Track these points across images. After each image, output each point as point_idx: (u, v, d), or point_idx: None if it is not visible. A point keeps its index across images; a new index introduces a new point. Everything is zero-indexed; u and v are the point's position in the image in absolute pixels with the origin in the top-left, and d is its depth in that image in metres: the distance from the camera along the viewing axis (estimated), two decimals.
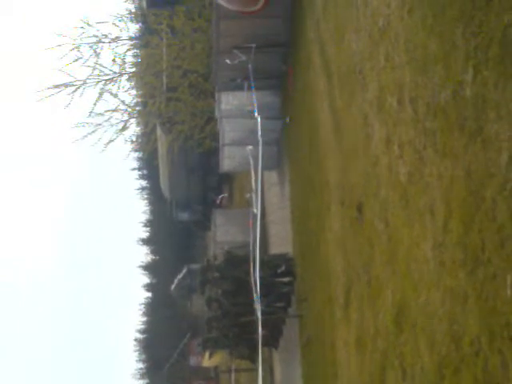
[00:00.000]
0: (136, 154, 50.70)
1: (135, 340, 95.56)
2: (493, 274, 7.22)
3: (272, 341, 24.24)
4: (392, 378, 10.85)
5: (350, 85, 14.56)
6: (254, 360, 26.32)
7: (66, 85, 27.65)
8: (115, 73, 26.27)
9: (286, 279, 23.18)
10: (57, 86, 28.03)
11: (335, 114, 16.23)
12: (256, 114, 22.91)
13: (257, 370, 23.07)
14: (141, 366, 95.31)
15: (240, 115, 25.06)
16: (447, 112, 8.51)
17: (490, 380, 7.10)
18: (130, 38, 25.99)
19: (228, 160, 26.41)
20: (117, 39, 24.66)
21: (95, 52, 24.48)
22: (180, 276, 42.03)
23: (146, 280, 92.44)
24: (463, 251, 8.04)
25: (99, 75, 25.03)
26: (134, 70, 27.90)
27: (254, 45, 23.08)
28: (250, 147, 23.18)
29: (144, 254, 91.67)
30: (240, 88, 24.66)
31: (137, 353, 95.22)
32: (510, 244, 6.84)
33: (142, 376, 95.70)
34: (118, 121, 29.79)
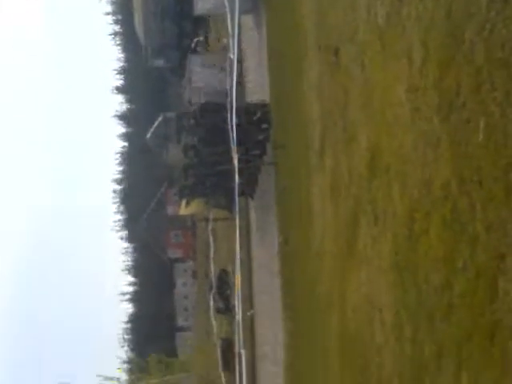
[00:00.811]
0: None
1: (113, 192, 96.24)
2: (467, 118, 7.14)
3: (248, 189, 24.41)
4: (364, 223, 10.98)
5: None
6: (230, 209, 26.67)
7: None
8: None
9: (262, 126, 23.06)
10: None
11: None
12: None
13: (233, 218, 23.42)
14: (119, 217, 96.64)
15: None
16: None
17: (457, 220, 7.16)
18: None
19: (202, 2, 25.54)
20: None
21: None
22: (155, 125, 41.72)
23: (121, 130, 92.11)
24: (438, 96, 7.93)
25: None
26: None
27: None
28: None
29: (119, 103, 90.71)
30: None
31: (115, 205, 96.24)
32: (485, 88, 6.72)
33: (121, 228, 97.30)
34: None
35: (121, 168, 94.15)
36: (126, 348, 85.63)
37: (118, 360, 24.98)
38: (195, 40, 40.23)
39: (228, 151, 21.88)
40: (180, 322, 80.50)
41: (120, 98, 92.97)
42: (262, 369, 21.23)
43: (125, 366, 25.49)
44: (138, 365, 22.80)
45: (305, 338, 15.70)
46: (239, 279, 19.60)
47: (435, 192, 7.92)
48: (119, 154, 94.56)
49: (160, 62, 48.91)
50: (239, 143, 21.52)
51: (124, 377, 22.85)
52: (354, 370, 10.95)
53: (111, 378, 21.08)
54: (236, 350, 21.02)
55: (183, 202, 28.27)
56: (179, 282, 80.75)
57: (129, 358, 26.61)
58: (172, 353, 36.68)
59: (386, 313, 9.45)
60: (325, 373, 13.27)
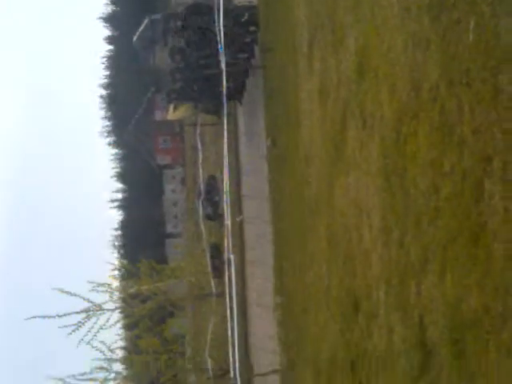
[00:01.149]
0: None
1: (100, 97, 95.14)
2: (457, 18, 7.01)
3: (236, 94, 24.17)
4: (353, 127, 10.92)
5: None
6: (218, 114, 26.47)
7: None
8: None
9: (249, 28, 22.67)
10: None
11: None
12: None
13: (221, 123, 23.28)
14: (107, 123, 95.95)
15: None
16: None
17: (445, 123, 7.13)
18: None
19: None
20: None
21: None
22: (142, 27, 40.95)
23: (107, 32, 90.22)
24: None
25: None
26: None
27: None
28: None
29: (104, 5, 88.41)
30: None
31: (102, 110, 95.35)
32: None
33: (109, 134, 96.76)
34: None
35: (107, 73, 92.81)
36: (116, 255, 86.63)
37: (109, 267, 25.17)
38: None
39: (215, 54, 21.57)
40: (169, 228, 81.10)
41: None
42: (252, 273, 21.53)
43: (116, 272, 25.70)
44: (129, 271, 22.99)
45: (293, 243, 15.84)
46: (228, 184, 19.64)
47: (424, 94, 7.85)
48: (105, 58, 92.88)
49: None
50: (227, 46, 21.19)
51: (115, 283, 23.10)
52: (342, 274, 11.07)
53: (102, 285, 21.29)
54: (225, 255, 21.24)
55: (171, 107, 28.06)
56: (168, 188, 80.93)
57: (119, 264, 26.83)
58: (162, 260, 37.15)
59: (374, 217, 9.50)
60: (313, 275, 13.45)
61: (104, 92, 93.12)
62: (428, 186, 7.55)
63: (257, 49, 22.52)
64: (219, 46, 21.07)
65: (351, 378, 10.06)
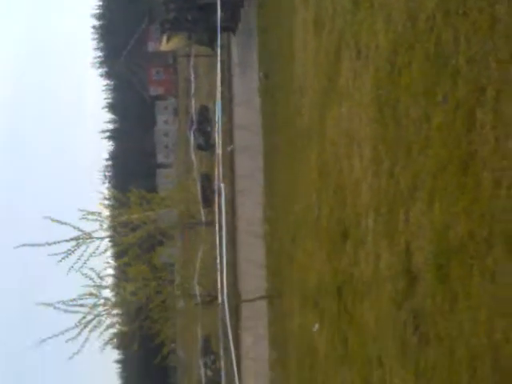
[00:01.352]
0: None
1: (93, 27, 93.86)
2: None
3: (230, 25, 23.93)
4: (347, 58, 10.91)
5: None
6: (212, 45, 26.24)
7: None
8: None
9: None
10: None
11: None
12: None
13: (215, 55, 23.11)
14: (99, 54, 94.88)
15: None
16: None
17: (440, 53, 7.13)
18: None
19: None
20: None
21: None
22: None
23: None
24: None
25: None
26: None
27: None
28: None
29: None
30: None
31: (95, 41, 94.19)
32: None
33: (101, 64, 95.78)
34: None
35: (100, 3, 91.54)
36: (107, 184, 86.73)
37: (99, 196, 25.23)
38: None
39: None
40: (160, 159, 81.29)
41: None
42: (242, 202, 21.67)
43: (106, 201, 25.74)
44: (119, 200, 23.08)
45: (284, 173, 15.95)
46: (220, 114, 19.62)
47: (420, 25, 7.82)
48: None
49: None
50: None
51: (105, 212, 23.20)
52: (332, 204, 11.20)
53: (92, 213, 21.39)
54: (215, 184, 21.36)
55: (164, 38, 27.77)
56: (160, 119, 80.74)
57: (110, 193, 26.84)
58: (153, 189, 37.23)
59: (365, 147, 9.57)
60: (303, 204, 13.59)
61: (96, 23, 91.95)
62: (420, 115, 7.61)
63: None
64: None
65: (337, 302, 10.28)
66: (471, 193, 6.32)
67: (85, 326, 19.77)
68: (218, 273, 16.97)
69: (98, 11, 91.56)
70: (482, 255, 6.01)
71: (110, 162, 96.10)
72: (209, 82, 29.36)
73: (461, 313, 6.29)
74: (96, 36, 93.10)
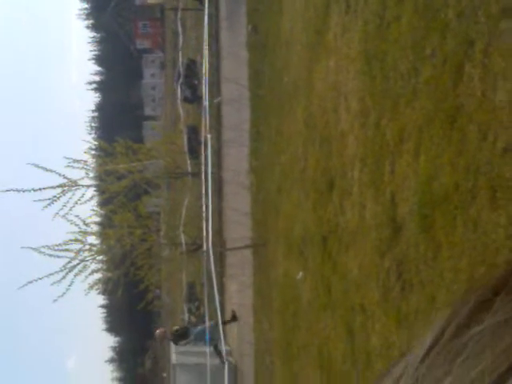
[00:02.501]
0: None
1: None
2: None
3: None
4: (336, 12, 10.94)
5: None
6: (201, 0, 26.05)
7: None
8: None
9: None
10: None
11: None
12: None
13: (203, 9, 22.97)
14: (85, 5, 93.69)
15: None
16: None
17: (430, 7, 7.21)
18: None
19: None
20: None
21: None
22: None
23: None
24: None
25: None
26: None
27: None
28: None
29: None
30: None
31: None
32: None
33: (87, 16, 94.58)
34: None
35: None
36: (93, 135, 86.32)
37: (85, 145, 25.17)
38: None
39: None
40: (148, 111, 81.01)
41: None
42: (227, 153, 21.76)
43: (92, 151, 25.73)
44: (105, 149, 23.08)
45: (270, 125, 16.03)
46: (207, 66, 19.58)
47: None
48: None
49: None
50: None
51: (91, 161, 23.18)
52: (318, 155, 11.34)
53: (78, 161, 21.38)
54: (202, 134, 21.40)
55: None
56: (147, 72, 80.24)
57: (96, 143, 26.77)
58: (139, 141, 37.23)
59: (352, 100, 9.68)
60: (289, 156, 13.73)
61: None
62: (408, 69, 7.71)
63: None
64: None
65: (322, 251, 10.48)
66: (457, 145, 6.46)
67: (70, 271, 19.92)
68: (204, 221, 17.14)
69: None
70: (466, 206, 6.17)
71: (96, 114, 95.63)
72: (196, 36, 29.17)
73: (443, 261, 6.49)
74: None
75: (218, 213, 20.64)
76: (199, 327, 19.67)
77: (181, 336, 19.54)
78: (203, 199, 17.67)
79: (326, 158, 10.69)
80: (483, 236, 5.89)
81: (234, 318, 19.63)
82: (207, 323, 18.31)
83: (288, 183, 13.62)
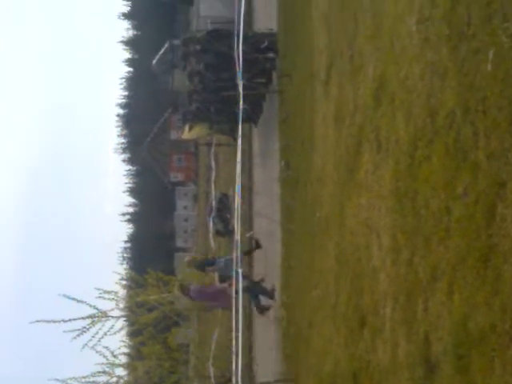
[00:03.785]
0: None
1: (117, 115, 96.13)
2: (476, 48, 7.27)
3: (252, 116, 24.53)
4: (367, 150, 11.16)
5: None
6: (233, 135, 26.81)
7: None
8: None
9: (268, 55, 23.06)
10: None
11: None
12: None
13: (236, 144, 23.60)
14: (122, 140, 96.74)
15: None
16: None
17: (460, 149, 7.37)
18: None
19: None
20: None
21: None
22: (162, 51, 41.37)
23: (127, 55, 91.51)
24: (448, 26, 8.02)
25: None
26: None
27: None
28: None
29: (125, 29, 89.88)
30: None
31: (118, 128, 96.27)
32: (496, 18, 6.85)
33: (124, 150, 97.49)
34: None
35: (125, 93, 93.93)
36: (125, 265, 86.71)
37: (117, 276, 25.46)
38: None
39: (233, 78, 21.91)
40: (179, 243, 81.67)
41: (126, 24, 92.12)
42: None
43: (123, 282, 25.93)
44: (136, 281, 23.24)
45: (302, 260, 16.08)
46: (239, 199, 19.89)
47: (439, 121, 8.08)
48: (124, 79, 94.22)
49: None
50: (245, 71, 21.54)
51: (122, 291, 23.32)
52: (349, 291, 11.31)
53: (109, 292, 21.53)
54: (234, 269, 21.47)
55: (186, 127, 28.38)
56: (180, 204, 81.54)
57: (127, 273, 27.05)
58: (170, 272, 37.35)
59: (384, 237, 9.74)
60: (320, 291, 13.68)
61: (121, 111, 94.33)
62: (440, 207, 7.79)
63: (275, 74, 22.90)
64: (237, 70, 21.40)
65: None
66: (492, 285, 6.42)
67: None
68: (233, 355, 16.96)
69: (123, 101, 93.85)
70: (504, 347, 6.05)
71: (128, 244, 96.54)
72: (229, 171, 29.84)
73: None
74: (120, 123, 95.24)
75: (248, 347, 20.42)
76: None
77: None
78: (233, 333, 17.55)
79: (358, 295, 10.65)
80: None
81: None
82: None
83: (319, 318, 13.52)
